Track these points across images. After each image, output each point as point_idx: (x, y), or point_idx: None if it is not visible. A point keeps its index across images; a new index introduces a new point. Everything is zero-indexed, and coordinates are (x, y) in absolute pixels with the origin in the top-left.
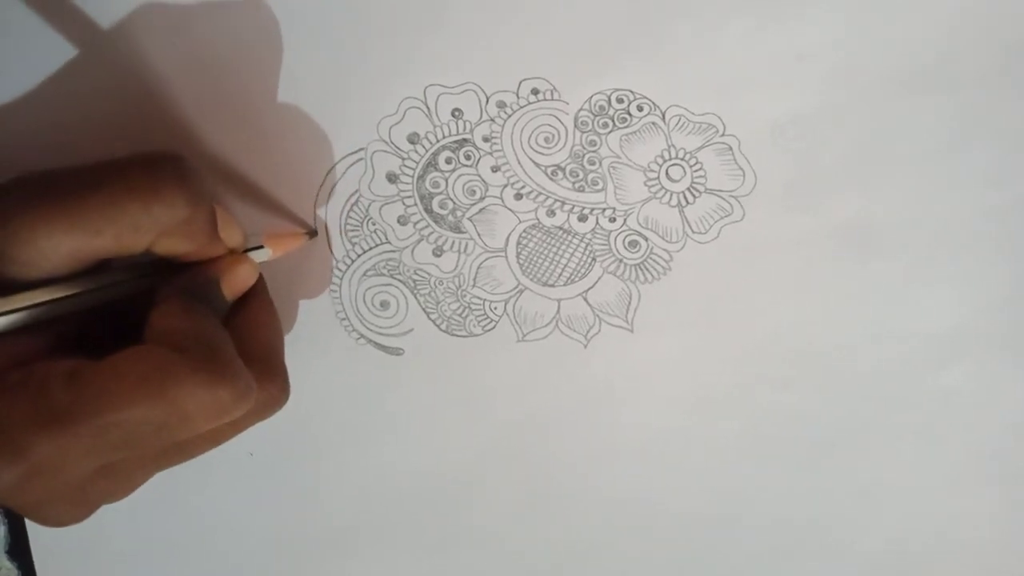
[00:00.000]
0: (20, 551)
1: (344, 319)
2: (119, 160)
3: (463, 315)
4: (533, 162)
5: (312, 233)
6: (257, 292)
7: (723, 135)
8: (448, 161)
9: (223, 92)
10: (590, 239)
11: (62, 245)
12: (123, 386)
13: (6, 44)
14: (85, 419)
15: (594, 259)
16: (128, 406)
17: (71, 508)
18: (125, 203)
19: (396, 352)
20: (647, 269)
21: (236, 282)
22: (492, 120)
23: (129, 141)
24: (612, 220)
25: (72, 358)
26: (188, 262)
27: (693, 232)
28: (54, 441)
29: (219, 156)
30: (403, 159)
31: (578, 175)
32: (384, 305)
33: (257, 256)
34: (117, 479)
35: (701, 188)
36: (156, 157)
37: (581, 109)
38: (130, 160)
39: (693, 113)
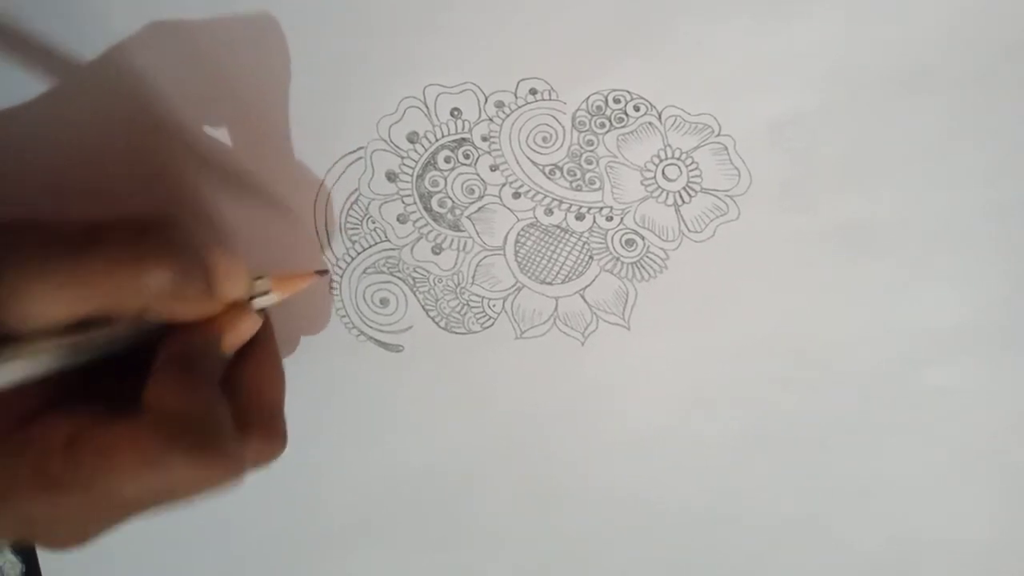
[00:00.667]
0: (24, 545)
1: (344, 316)
2: (106, 224)
3: (462, 312)
4: (531, 161)
5: (322, 272)
6: (262, 341)
7: (719, 135)
8: (447, 160)
9: (223, 92)
10: (587, 238)
11: (49, 309)
12: (117, 464)
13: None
14: (79, 491)
15: (591, 257)
16: (121, 485)
17: (69, 543)
18: (111, 272)
19: (396, 349)
20: (644, 267)
21: (236, 339)
22: (490, 120)
23: (130, 143)
24: (609, 219)
25: (74, 415)
26: (187, 321)
27: (689, 231)
28: (50, 502)
29: (219, 155)
30: (402, 158)
31: (575, 174)
32: (384, 302)
33: (263, 302)
34: (113, 525)
35: (697, 187)
36: (141, 225)
37: (578, 109)
38: (116, 226)
39: (689, 113)
